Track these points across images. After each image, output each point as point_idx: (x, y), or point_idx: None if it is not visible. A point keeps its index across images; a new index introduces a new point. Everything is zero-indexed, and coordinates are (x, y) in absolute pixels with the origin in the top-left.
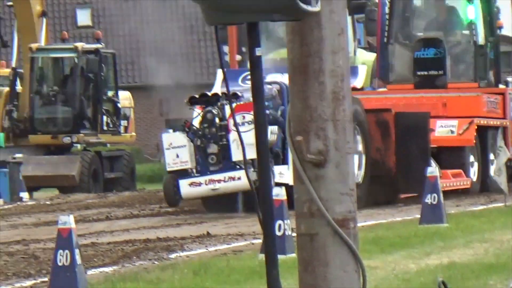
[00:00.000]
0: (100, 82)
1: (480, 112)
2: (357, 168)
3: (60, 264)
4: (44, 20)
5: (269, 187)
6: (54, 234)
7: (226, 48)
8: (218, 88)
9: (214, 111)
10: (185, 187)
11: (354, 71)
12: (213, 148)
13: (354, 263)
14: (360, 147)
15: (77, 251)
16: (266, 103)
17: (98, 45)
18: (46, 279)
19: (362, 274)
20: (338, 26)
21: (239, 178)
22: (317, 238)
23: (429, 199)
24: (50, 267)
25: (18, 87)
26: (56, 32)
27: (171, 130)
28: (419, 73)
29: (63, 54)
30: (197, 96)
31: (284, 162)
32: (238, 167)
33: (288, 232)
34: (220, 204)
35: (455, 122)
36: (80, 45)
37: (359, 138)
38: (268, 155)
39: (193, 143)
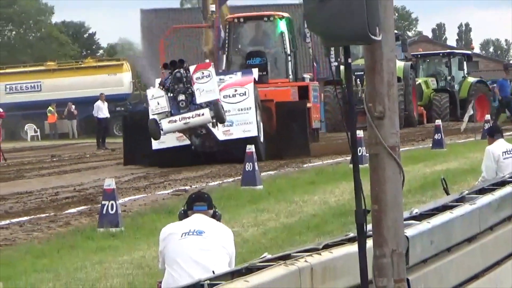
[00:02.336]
0: None
1: (290, 98)
2: (259, 132)
3: None
4: None
5: (354, 130)
6: None
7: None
8: (156, 85)
9: (182, 71)
10: (165, 124)
11: (249, 72)
12: (181, 97)
13: (398, 169)
14: (259, 118)
15: None
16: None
17: None
18: None
19: (402, 174)
20: (390, 46)
21: (203, 114)
22: (379, 156)
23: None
24: None
25: None
26: None
27: (152, 87)
28: None
29: None
30: (168, 63)
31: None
32: (200, 106)
33: (365, 154)
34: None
35: None
36: None
37: (259, 113)
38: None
39: (167, 95)
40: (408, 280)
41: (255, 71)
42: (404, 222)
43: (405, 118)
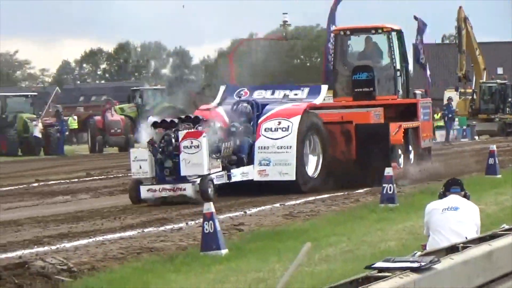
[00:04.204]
0: None
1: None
2: (315, 167)
3: None
4: (485, 72)
5: None
6: None
7: None
8: (218, 99)
9: (172, 134)
10: (144, 192)
11: (317, 90)
12: (168, 163)
13: None
14: (318, 149)
15: None
16: (243, 118)
17: None
18: None
19: None
20: None
21: (184, 189)
22: None
23: None
24: None
25: None
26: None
27: (138, 146)
28: (356, 90)
29: (491, 85)
30: (159, 121)
31: (249, 163)
32: (185, 179)
33: None
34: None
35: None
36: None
37: (318, 143)
38: None
39: (155, 157)
40: None
41: (324, 89)
42: None
43: None
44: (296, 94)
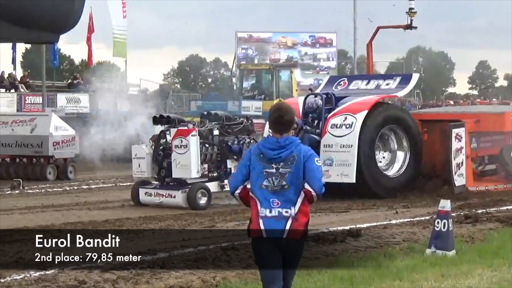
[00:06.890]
0: None
1: None
2: (402, 162)
3: None
4: None
5: None
6: None
7: None
8: (318, 89)
9: (167, 131)
10: (142, 195)
11: (408, 80)
12: (165, 163)
13: None
14: (405, 145)
15: None
16: (311, 115)
17: None
18: None
19: None
20: None
21: (174, 196)
22: None
23: None
24: None
25: None
26: None
27: (140, 142)
28: None
29: None
30: (157, 116)
31: None
32: (177, 182)
33: None
34: None
35: None
36: None
37: (404, 139)
38: None
39: (154, 155)
40: None
41: (415, 77)
42: None
43: None
44: (387, 84)
